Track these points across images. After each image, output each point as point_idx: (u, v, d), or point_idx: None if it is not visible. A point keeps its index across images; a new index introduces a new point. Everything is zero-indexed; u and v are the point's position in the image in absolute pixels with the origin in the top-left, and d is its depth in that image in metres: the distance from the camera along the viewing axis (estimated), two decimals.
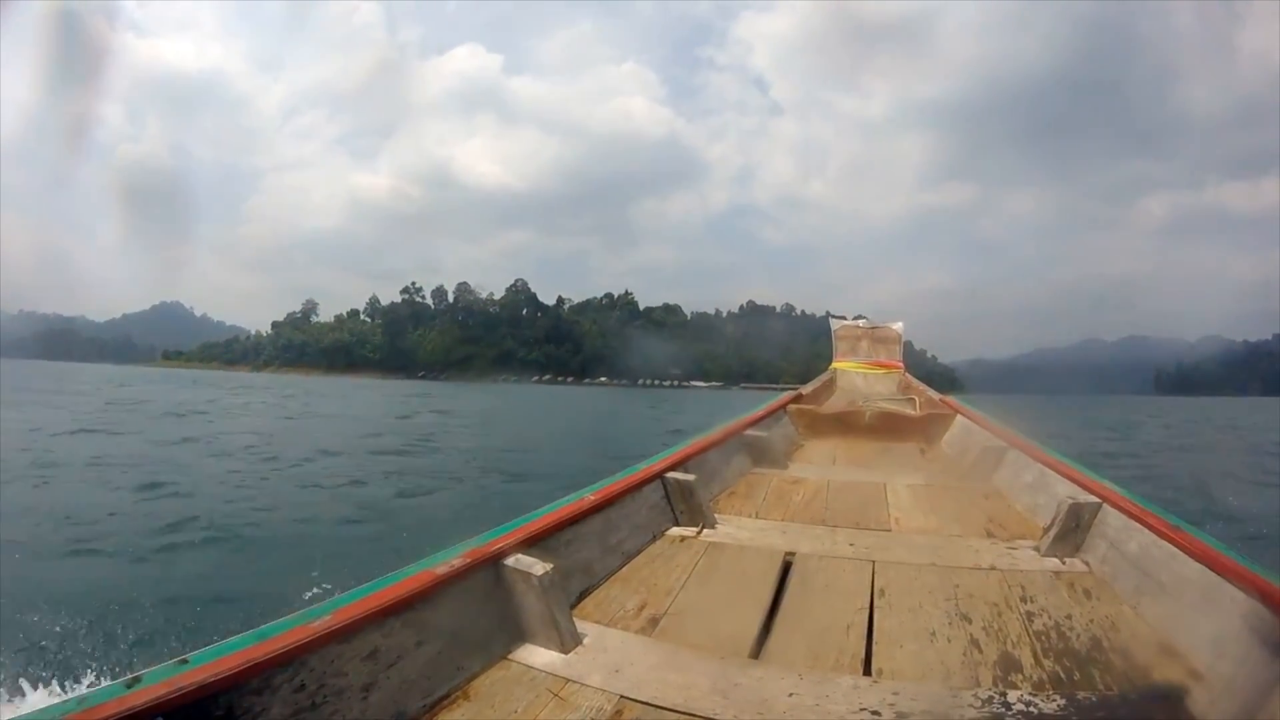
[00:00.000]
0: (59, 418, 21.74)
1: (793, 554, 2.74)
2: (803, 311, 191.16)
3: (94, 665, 4.52)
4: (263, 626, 1.46)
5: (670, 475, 3.13)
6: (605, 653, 1.89)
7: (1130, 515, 2.44)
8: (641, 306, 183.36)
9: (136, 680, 1.23)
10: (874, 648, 1.96)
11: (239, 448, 15.95)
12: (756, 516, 3.33)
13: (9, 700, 4.04)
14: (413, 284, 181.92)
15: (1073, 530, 2.66)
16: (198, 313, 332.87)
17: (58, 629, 4.92)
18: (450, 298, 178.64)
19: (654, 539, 2.89)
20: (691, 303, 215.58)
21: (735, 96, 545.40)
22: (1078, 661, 1.84)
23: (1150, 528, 2.28)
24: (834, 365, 8.14)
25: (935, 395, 6.84)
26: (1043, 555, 2.66)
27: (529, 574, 1.90)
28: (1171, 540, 2.15)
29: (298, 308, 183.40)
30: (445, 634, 1.75)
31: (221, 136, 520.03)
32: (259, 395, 43.93)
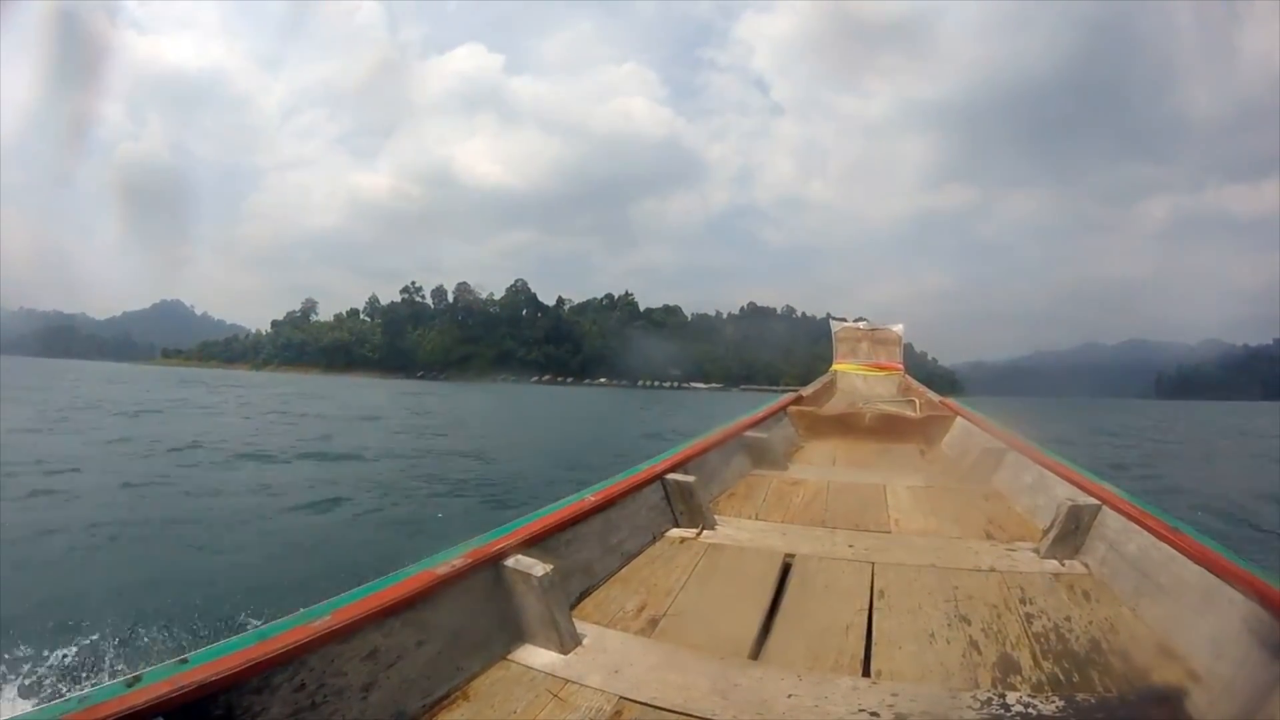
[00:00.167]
0: (20, 414, 21.30)
1: (792, 555, 2.74)
2: (803, 313, 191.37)
3: None
4: (263, 626, 1.46)
5: (670, 476, 3.13)
6: (605, 653, 1.89)
7: (1129, 517, 2.44)
8: (642, 307, 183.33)
9: (137, 679, 1.23)
10: (873, 649, 1.96)
11: (164, 449, 15.03)
12: (756, 518, 3.33)
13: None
14: (412, 283, 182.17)
15: (1072, 532, 2.66)
16: (198, 311, 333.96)
17: None
18: (450, 297, 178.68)
19: (654, 540, 2.89)
20: (692, 303, 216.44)
21: (736, 97, 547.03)
22: (1077, 663, 1.84)
23: (1150, 530, 2.28)
24: (834, 367, 8.14)
25: (935, 397, 6.84)
26: (1042, 557, 2.66)
27: (529, 574, 1.90)
28: (1171, 542, 2.15)
29: (298, 307, 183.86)
30: (445, 634, 1.75)
31: (222, 135, 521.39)
32: (238, 394, 43.13)
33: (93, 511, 8.90)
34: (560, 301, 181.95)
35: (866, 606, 2.25)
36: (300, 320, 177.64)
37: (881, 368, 8.08)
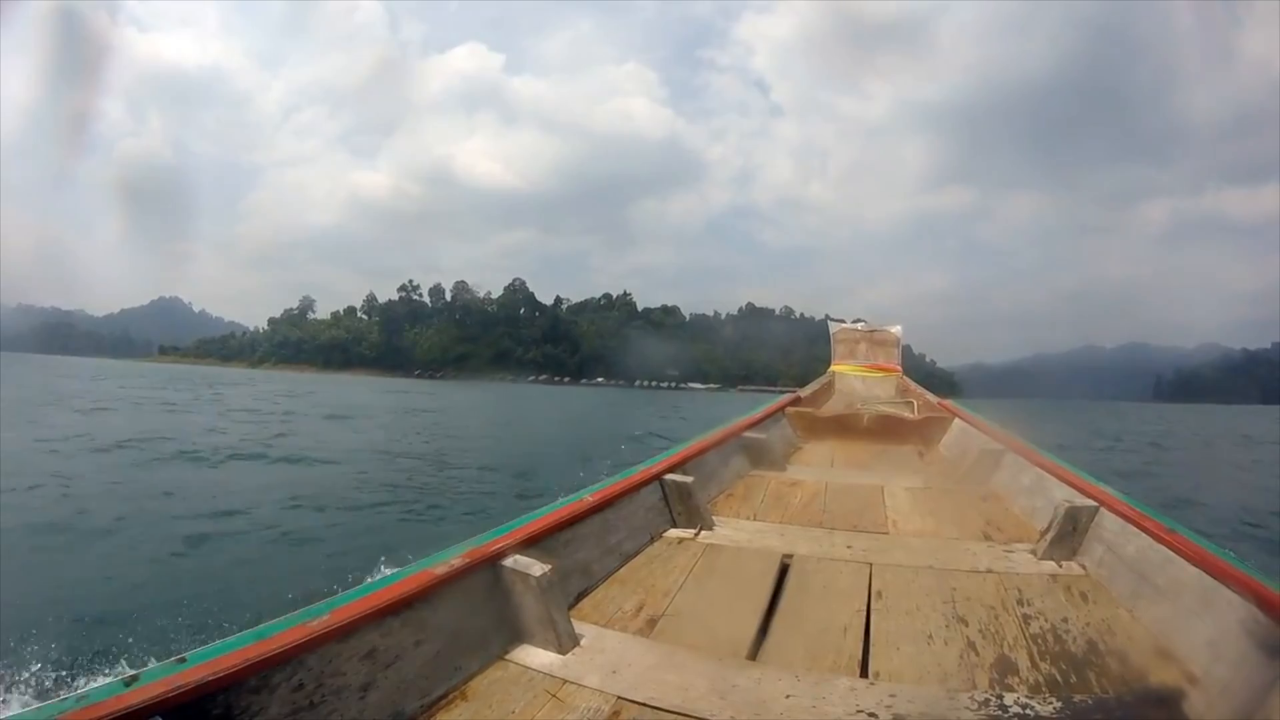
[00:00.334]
0: None
1: (790, 556, 2.74)
2: (802, 314, 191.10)
3: None
4: (261, 626, 1.46)
5: (669, 477, 3.13)
6: (603, 653, 1.90)
7: (1127, 519, 2.44)
8: (640, 307, 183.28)
9: (134, 679, 1.23)
10: (871, 649, 1.97)
11: (89, 448, 14.18)
12: (754, 518, 3.33)
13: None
14: (410, 282, 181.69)
15: (1069, 533, 2.67)
16: (196, 309, 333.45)
17: None
18: (448, 296, 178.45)
19: (652, 540, 2.89)
20: (690, 304, 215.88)
21: (736, 98, 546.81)
22: (1074, 664, 1.84)
23: (1147, 531, 2.29)
24: (832, 368, 8.15)
25: (933, 398, 6.85)
26: (1040, 558, 2.66)
27: (527, 575, 1.91)
28: (1168, 544, 2.16)
29: (296, 305, 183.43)
30: (443, 634, 1.75)
31: (222, 133, 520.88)
32: (217, 391, 42.27)
33: None
34: (558, 301, 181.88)
35: (864, 607, 2.26)
36: (297, 318, 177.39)
37: (880, 369, 8.08)
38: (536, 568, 1.93)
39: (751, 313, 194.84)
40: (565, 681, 1.75)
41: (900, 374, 8.02)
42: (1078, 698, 1.67)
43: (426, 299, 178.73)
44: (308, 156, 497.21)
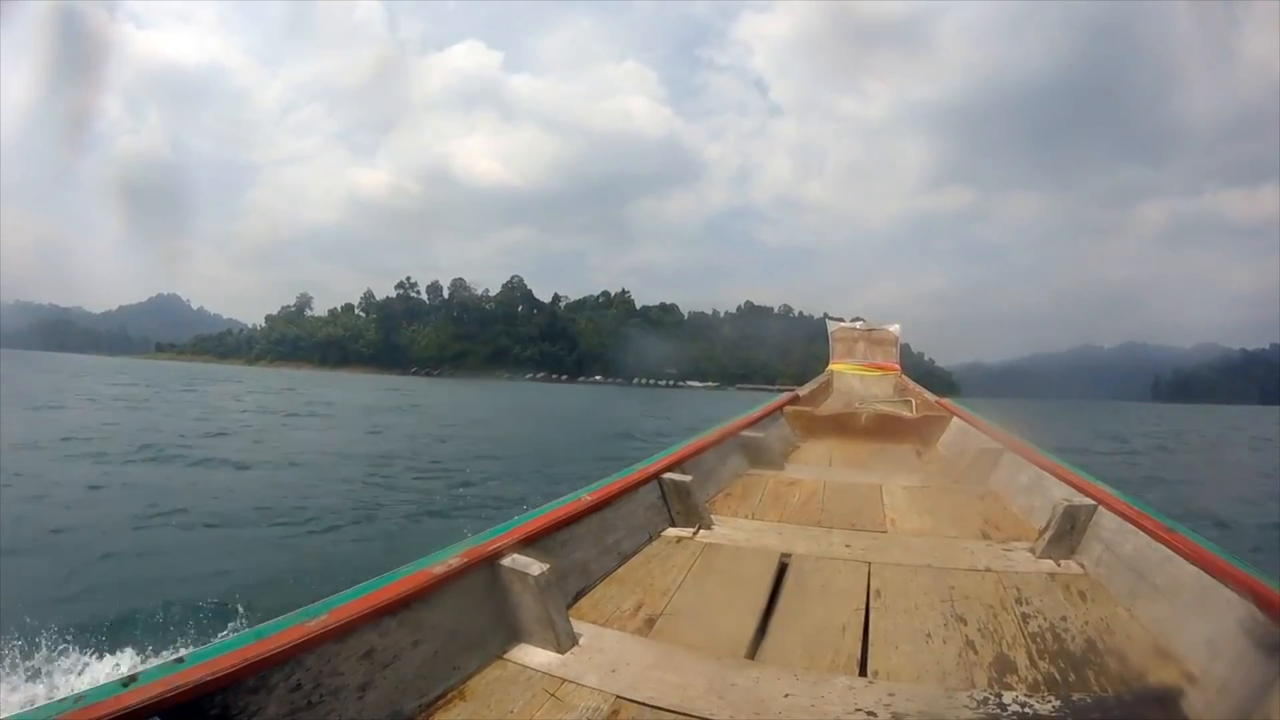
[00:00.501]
0: None
1: (789, 555, 2.74)
2: (800, 313, 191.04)
3: None
4: (259, 626, 1.46)
5: (667, 476, 3.13)
6: (601, 653, 1.90)
7: (1125, 518, 2.44)
8: (638, 305, 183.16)
9: (132, 679, 1.23)
10: (870, 648, 1.97)
11: (26, 443, 13.95)
12: (753, 517, 3.33)
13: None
14: (407, 279, 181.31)
15: (1068, 532, 2.67)
16: (194, 306, 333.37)
17: None
18: (445, 294, 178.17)
19: (650, 539, 2.89)
20: (689, 302, 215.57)
21: (735, 97, 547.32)
22: (1073, 663, 1.84)
23: (1145, 530, 2.29)
24: (831, 367, 8.14)
25: (931, 397, 6.84)
26: (1038, 557, 2.66)
27: (525, 574, 1.91)
28: (1166, 543, 2.16)
29: (293, 302, 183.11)
30: (442, 634, 1.75)
31: (221, 130, 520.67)
32: (187, 388, 42.02)
33: None
34: (556, 299, 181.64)
35: (863, 606, 2.26)
36: (294, 315, 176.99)
37: (878, 368, 8.07)
38: (535, 567, 1.93)
39: (750, 311, 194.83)
40: (564, 681, 1.74)
41: (899, 373, 8.02)
42: (1076, 696, 1.67)
43: (424, 296, 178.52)
44: (306, 154, 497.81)
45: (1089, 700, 1.66)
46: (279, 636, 1.42)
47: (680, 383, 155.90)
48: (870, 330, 8.45)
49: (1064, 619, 2.13)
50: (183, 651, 1.40)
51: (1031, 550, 2.74)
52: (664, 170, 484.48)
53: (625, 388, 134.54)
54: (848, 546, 2.86)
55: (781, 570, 2.59)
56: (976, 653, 1.92)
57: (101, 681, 1.29)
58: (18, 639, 4.56)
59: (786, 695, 1.69)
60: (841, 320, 9.09)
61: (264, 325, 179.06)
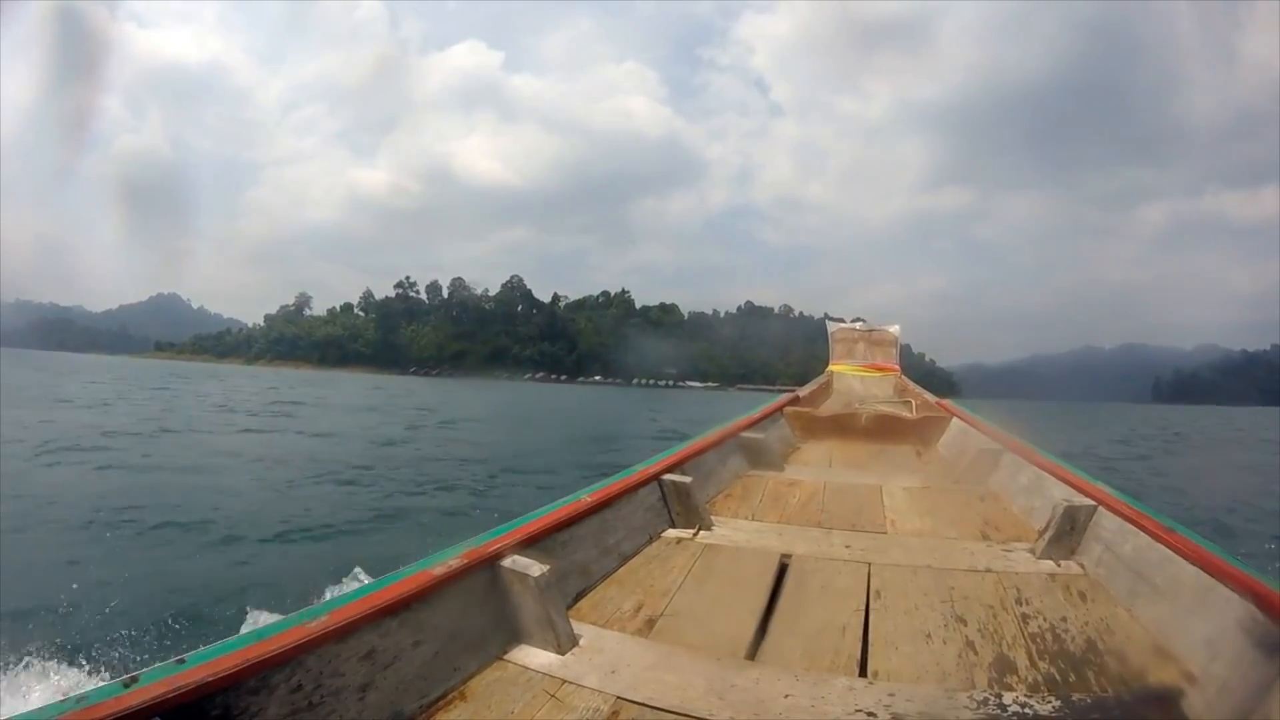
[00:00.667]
0: None
1: (789, 556, 2.74)
2: (800, 313, 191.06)
3: None
4: (260, 626, 1.46)
5: (667, 477, 3.13)
6: (602, 654, 1.90)
7: (1125, 518, 2.44)
8: (638, 305, 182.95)
9: (134, 680, 1.23)
10: (870, 649, 1.97)
11: None
12: (753, 518, 3.33)
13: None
14: (406, 278, 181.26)
15: (1068, 533, 2.67)
16: (194, 305, 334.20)
17: None
18: (445, 293, 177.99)
19: (650, 540, 2.89)
20: (689, 302, 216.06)
21: (736, 97, 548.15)
22: (1073, 663, 1.84)
23: (1145, 530, 2.29)
24: (831, 368, 8.15)
25: (931, 398, 6.85)
26: (1038, 558, 2.66)
27: (526, 575, 1.91)
28: (1166, 543, 2.15)
29: (292, 301, 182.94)
30: (442, 634, 1.75)
31: (221, 129, 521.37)
32: (162, 386, 41.26)
33: None
34: (556, 298, 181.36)
35: (863, 607, 2.26)
36: (293, 315, 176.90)
37: (878, 369, 8.08)
38: (535, 568, 1.93)
39: (750, 311, 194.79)
40: (564, 682, 1.74)
41: (898, 374, 8.02)
42: (1076, 696, 1.67)
43: (423, 296, 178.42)
44: (307, 153, 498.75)
45: (1089, 700, 1.66)
46: (280, 637, 1.42)
47: (680, 383, 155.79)
48: (870, 331, 8.46)
49: (1064, 619, 2.13)
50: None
51: (1031, 551, 2.74)
52: (664, 170, 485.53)
53: (624, 388, 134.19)
54: (848, 547, 2.86)
55: (781, 571, 2.59)
56: (976, 653, 1.92)
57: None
58: None
59: (786, 696, 1.69)
60: (842, 321, 9.11)
61: (262, 325, 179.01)
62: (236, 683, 1.33)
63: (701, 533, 3.03)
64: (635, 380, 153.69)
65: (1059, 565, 2.60)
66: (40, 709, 1.16)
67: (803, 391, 7.19)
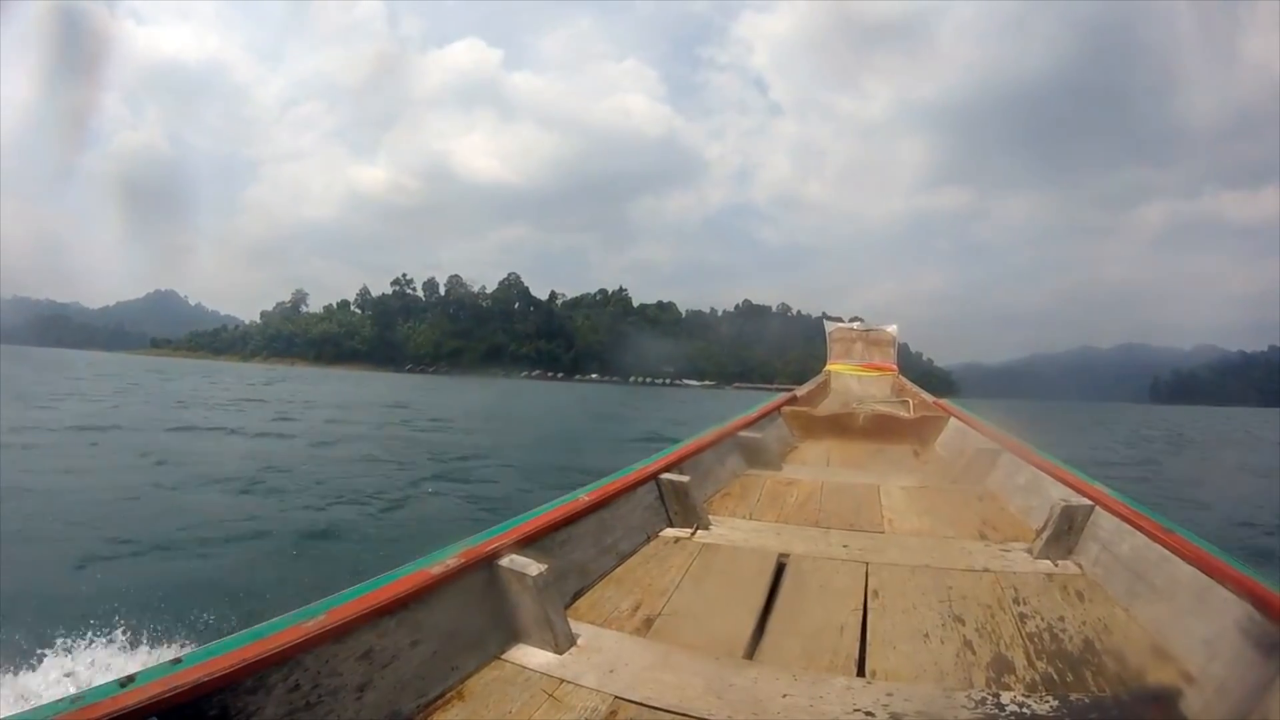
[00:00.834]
0: None
1: (787, 555, 2.74)
2: (799, 312, 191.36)
3: None
4: (257, 626, 1.46)
5: (665, 476, 3.13)
6: (600, 653, 1.89)
7: (1123, 518, 2.44)
8: (636, 303, 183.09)
9: (130, 680, 1.22)
10: (868, 649, 1.97)
11: None
12: (750, 518, 3.33)
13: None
14: (403, 275, 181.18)
15: (1065, 533, 2.67)
16: (192, 302, 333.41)
17: None
18: (442, 290, 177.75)
19: (648, 540, 2.89)
20: (687, 301, 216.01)
21: (735, 96, 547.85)
22: (1071, 663, 1.84)
23: (1143, 530, 2.29)
24: (828, 367, 8.16)
25: (929, 398, 6.86)
26: (1035, 557, 2.66)
27: (523, 574, 1.90)
28: (1164, 543, 2.15)
29: (288, 298, 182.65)
30: (440, 634, 1.75)
31: (220, 126, 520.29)
32: (130, 382, 40.35)
33: None
34: (553, 296, 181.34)
35: (861, 606, 2.26)
36: (290, 312, 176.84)
37: (875, 368, 8.09)
38: (533, 567, 1.92)
39: (748, 310, 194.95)
40: (562, 681, 1.74)
41: (896, 373, 8.04)
42: (1074, 696, 1.67)
43: (420, 293, 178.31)
44: (305, 151, 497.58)
45: (1087, 700, 1.66)
46: (277, 637, 1.42)
47: (677, 381, 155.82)
48: (868, 331, 8.47)
49: (1061, 619, 2.13)
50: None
51: (1029, 550, 2.74)
52: (663, 169, 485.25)
53: (621, 386, 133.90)
54: (845, 547, 2.86)
55: (779, 570, 2.59)
56: (974, 653, 1.92)
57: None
58: None
59: (785, 695, 1.69)
60: (839, 320, 9.11)
61: (259, 322, 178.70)
62: (234, 683, 1.32)
63: (699, 532, 3.03)
64: (632, 378, 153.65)
65: (1056, 565, 2.60)
66: (36, 709, 1.15)
67: (800, 391, 7.20)
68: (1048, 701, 1.64)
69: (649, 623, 2.15)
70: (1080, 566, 2.56)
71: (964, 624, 2.12)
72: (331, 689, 1.49)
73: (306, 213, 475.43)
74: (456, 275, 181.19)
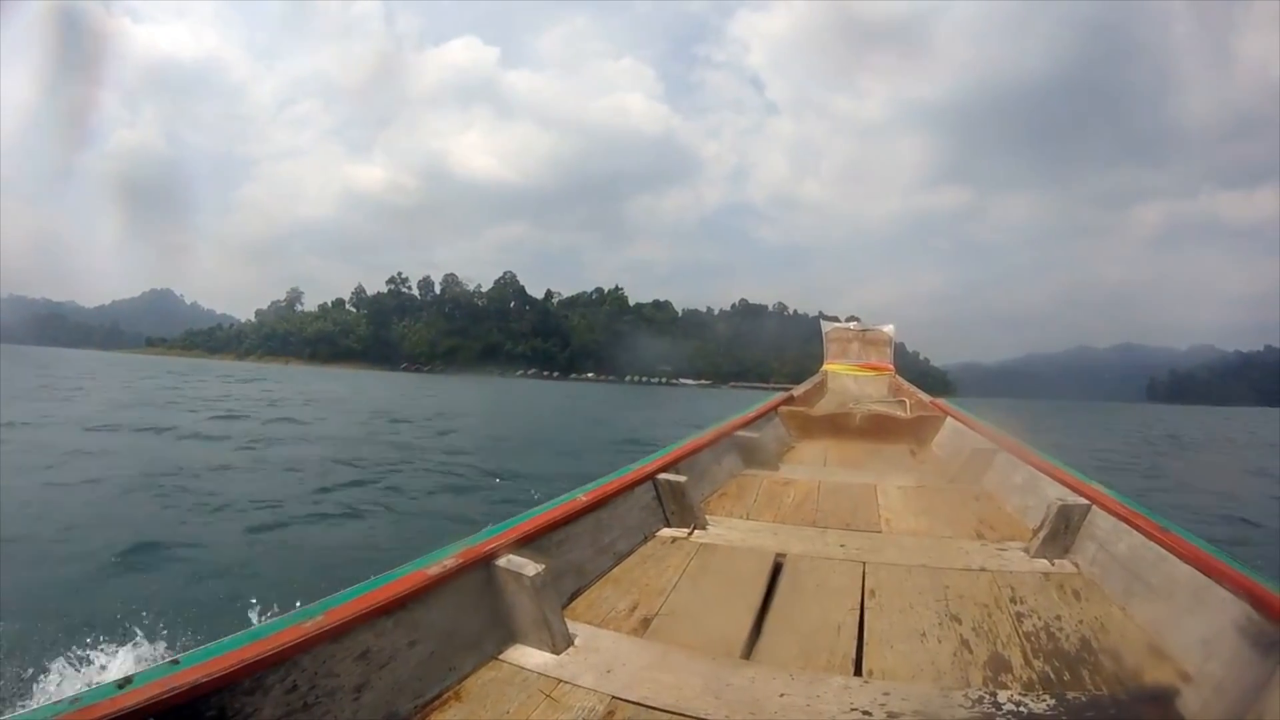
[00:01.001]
0: None
1: (784, 555, 2.74)
2: (795, 311, 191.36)
3: None
4: (255, 627, 1.46)
5: (662, 476, 3.13)
6: (597, 653, 1.89)
7: (1119, 517, 2.44)
8: (632, 302, 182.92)
9: (128, 681, 1.22)
10: (865, 648, 1.97)
11: None
12: (748, 518, 3.33)
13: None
14: (398, 274, 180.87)
15: (1062, 532, 2.67)
16: (188, 301, 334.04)
17: None
18: (437, 289, 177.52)
19: (645, 540, 2.88)
20: (683, 300, 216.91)
21: (732, 95, 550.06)
22: (1067, 662, 1.84)
23: (1140, 529, 2.29)
24: (825, 367, 8.17)
25: (925, 398, 6.86)
26: (1032, 556, 2.66)
27: (521, 574, 1.90)
28: (1161, 542, 2.16)
29: (283, 297, 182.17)
30: (437, 634, 1.75)
31: (216, 125, 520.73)
32: (93, 380, 39.38)
33: None
34: (549, 295, 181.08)
35: (858, 606, 2.25)
36: (285, 310, 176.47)
37: (872, 368, 8.11)
38: (530, 567, 1.92)
39: (745, 309, 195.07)
40: (560, 681, 1.74)
41: (893, 373, 8.05)
42: (1071, 695, 1.67)
43: (416, 292, 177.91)
44: (302, 149, 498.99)
45: (1084, 699, 1.66)
46: (275, 638, 1.41)
47: (673, 380, 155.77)
48: (864, 331, 8.49)
49: (1058, 618, 2.13)
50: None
51: (1026, 550, 2.74)
52: (660, 167, 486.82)
53: (617, 385, 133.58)
54: (842, 546, 2.86)
55: (776, 570, 2.58)
56: (971, 652, 1.92)
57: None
58: None
59: (782, 695, 1.69)
60: (836, 319, 9.12)
61: (254, 320, 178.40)
62: (231, 683, 1.32)
63: (696, 532, 3.02)
64: (628, 378, 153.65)
65: (1053, 564, 2.60)
66: (34, 710, 1.15)
67: (797, 391, 7.21)
68: (1045, 700, 1.64)
69: (646, 623, 2.14)
70: (1077, 565, 2.57)
71: (961, 623, 2.12)
72: (329, 690, 1.49)
73: (303, 211, 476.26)
74: (452, 274, 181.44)
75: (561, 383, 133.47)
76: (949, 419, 5.62)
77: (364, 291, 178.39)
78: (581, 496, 2.58)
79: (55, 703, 1.16)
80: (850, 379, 7.99)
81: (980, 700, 1.65)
